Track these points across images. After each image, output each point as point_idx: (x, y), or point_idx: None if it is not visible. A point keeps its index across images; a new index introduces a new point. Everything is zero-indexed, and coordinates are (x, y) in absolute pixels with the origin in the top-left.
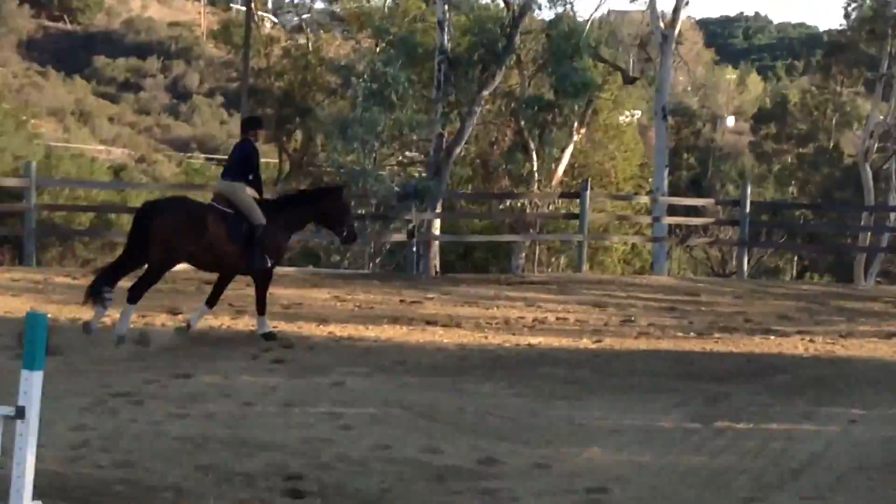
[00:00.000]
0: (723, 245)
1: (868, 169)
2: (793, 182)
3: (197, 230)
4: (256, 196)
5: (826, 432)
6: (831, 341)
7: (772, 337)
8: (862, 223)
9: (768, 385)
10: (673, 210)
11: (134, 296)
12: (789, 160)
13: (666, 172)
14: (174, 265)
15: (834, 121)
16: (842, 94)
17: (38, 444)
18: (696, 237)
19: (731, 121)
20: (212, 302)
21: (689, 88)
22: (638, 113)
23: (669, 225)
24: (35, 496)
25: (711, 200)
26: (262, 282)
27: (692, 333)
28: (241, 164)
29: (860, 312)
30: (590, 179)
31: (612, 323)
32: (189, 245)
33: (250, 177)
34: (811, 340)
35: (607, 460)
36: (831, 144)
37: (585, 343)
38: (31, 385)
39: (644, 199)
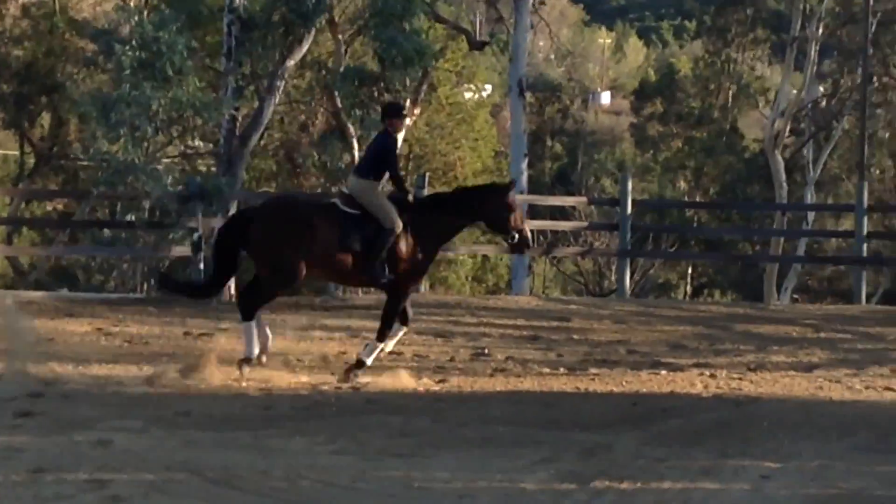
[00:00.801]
0: (598, 256)
1: (779, 157)
2: (685, 175)
3: (304, 237)
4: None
5: (732, 491)
6: (737, 376)
7: (662, 372)
8: (774, 226)
9: (659, 433)
10: (535, 212)
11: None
12: (680, 146)
13: (525, 164)
14: (292, 280)
15: (730, 95)
16: (742, 62)
17: None
18: (564, 246)
19: (606, 97)
20: (403, 319)
21: (553, 57)
22: (488, 88)
23: (531, 231)
24: None
25: (583, 199)
26: (391, 301)
27: (562, 369)
28: (375, 159)
29: (773, 339)
30: (429, 174)
31: (459, 358)
32: (297, 254)
33: (387, 174)
34: (712, 376)
35: None
36: (727, 126)
37: (426, 384)
38: None
39: None
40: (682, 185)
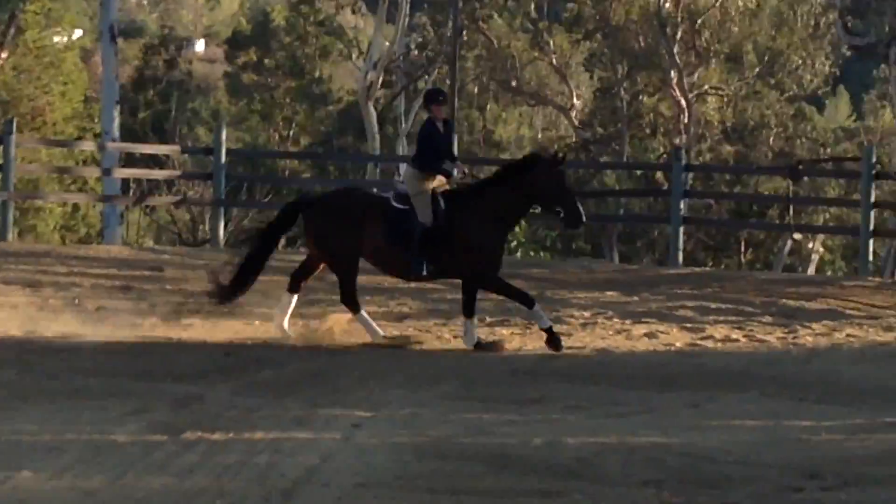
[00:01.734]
0: (193, 205)
1: (371, 109)
2: (279, 125)
3: (353, 231)
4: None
5: (323, 441)
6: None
7: (256, 322)
8: (367, 176)
9: (252, 383)
10: (132, 160)
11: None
12: (274, 96)
13: (117, 111)
14: (350, 267)
15: (323, 46)
16: (336, 13)
17: None
18: (158, 195)
19: (200, 45)
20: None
21: (146, 3)
22: (79, 32)
23: (124, 179)
24: None
25: (177, 147)
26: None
27: (154, 319)
28: (417, 148)
29: (366, 289)
30: (16, 119)
31: (50, 307)
32: (349, 246)
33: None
34: (305, 325)
35: (43, 487)
36: (321, 77)
37: (12, 334)
38: None
39: (90, 146)
40: (276, 135)
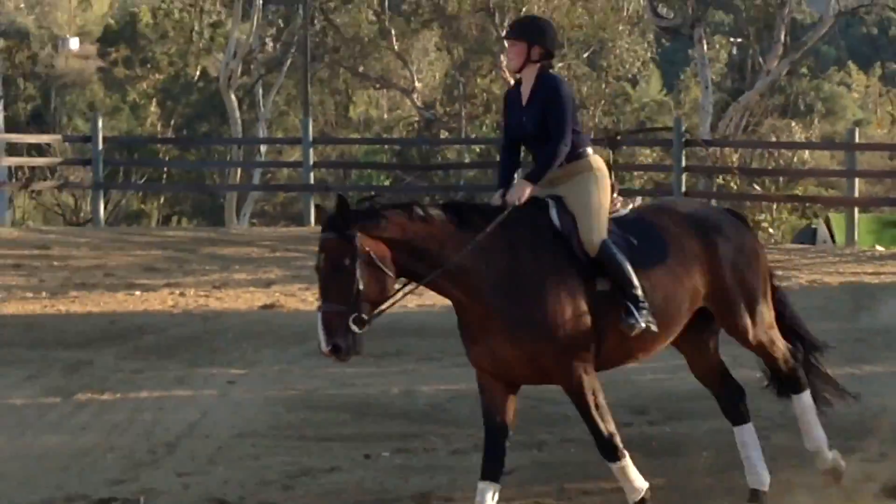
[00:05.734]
0: (74, 188)
1: (233, 96)
2: (151, 113)
3: None
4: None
5: (202, 397)
6: (204, 294)
7: (137, 293)
8: (229, 158)
9: (135, 348)
10: (14, 149)
11: None
12: (145, 87)
13: (0, 104)
14: None
15: (193, 41)
16: (196, 10)
17: None
18: (41, 181)
19: (74, 43)
20: None
21: (23, 5)
22: None
23: (10, 167)
24: None
25: (58, 137)
26: None
27: (44, 294)
28: None
29: (234, 259)
30: None
31: None
32: None
33: None
34: (181, 294)
35: None
36: (188, 68)
37: None
38: None
39: None
40: (151, 122)
